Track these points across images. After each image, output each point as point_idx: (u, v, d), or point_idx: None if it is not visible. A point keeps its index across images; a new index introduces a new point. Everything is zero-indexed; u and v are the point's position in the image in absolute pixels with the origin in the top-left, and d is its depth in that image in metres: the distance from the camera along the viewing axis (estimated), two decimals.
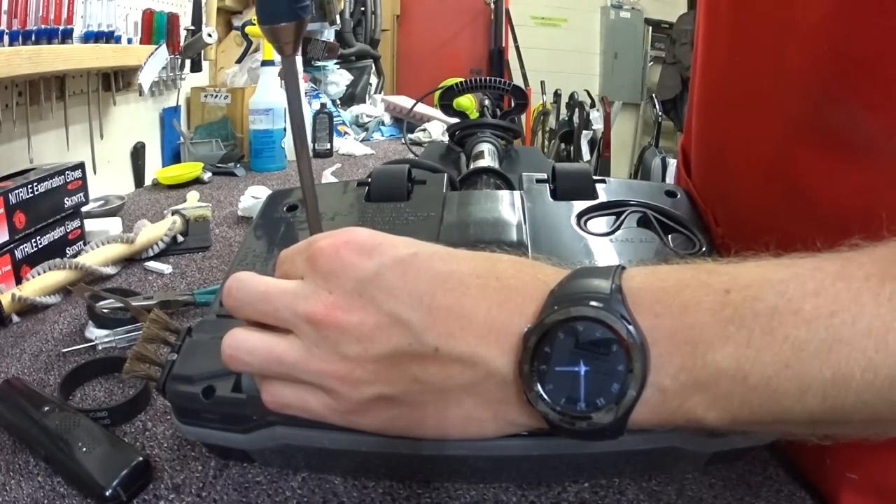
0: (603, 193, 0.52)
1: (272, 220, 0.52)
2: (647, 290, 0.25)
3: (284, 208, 0.53)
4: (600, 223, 0.49)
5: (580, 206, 0.50)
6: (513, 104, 0.96)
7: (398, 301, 0.25)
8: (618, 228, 0.48)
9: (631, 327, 0.24)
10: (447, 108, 0.92)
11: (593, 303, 0.24)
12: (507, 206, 0.50)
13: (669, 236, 0.47)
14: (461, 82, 0.88)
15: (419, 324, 0.25)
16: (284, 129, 1.25)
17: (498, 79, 0.90)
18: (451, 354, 0.25)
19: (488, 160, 0.70)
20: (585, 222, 0.49)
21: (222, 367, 0.36)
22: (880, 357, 0.22)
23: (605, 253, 0.45)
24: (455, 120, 0.92)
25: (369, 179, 0.54)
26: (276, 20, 0.31)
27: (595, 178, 0.53)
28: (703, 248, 0.46)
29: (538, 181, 0.54)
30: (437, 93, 1.03)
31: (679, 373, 0.24)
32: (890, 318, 0.22)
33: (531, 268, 0.27)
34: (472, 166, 0.70)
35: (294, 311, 0.26)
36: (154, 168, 1.26)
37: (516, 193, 0.52)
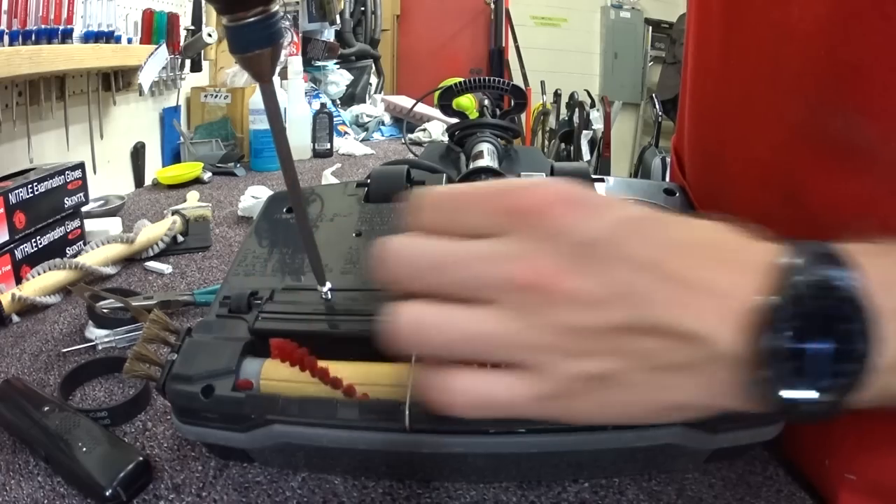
0: (600, 192, 0.52)
1: (273, 221, 0.52)
2: (873, 266, 0.23)
3: (285, 210, 0.53)
4: None
5: None
6: (512, 104, 0.96)
7: (626, 267, 0.22)
8: None
9: (866, 303, 0.22)
10: (446, 108, 0.92)
11: (836, 281, 0.22)
12: None
13: None
14: (460, 82, 0.87)
15: (647, 293, 0.22)
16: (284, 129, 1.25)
17: (497, 79, 0.90)
18: (678, 330, 0.22)
19: (488, 160, 0.70)
20: None
21: (222, 367, 0.36)
22: None
23: None
24: (455, 120, 0.92)
25: (368, 180, 0.54)
26: (249, 48, 0.29)
27: (594, 176, 0.53)
28: None
29: None
30: (437, 93, 1.03)
31: None
32: None
33: (761, 240, 0.24)
34: (471, 166, 0.70)
35: (499, 276, 0.22)
36: (154, 168, 1.26)
37: None
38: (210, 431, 0.37)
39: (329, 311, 0.40)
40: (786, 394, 0.22)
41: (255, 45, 0.29)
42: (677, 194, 0.52)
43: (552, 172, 0.54)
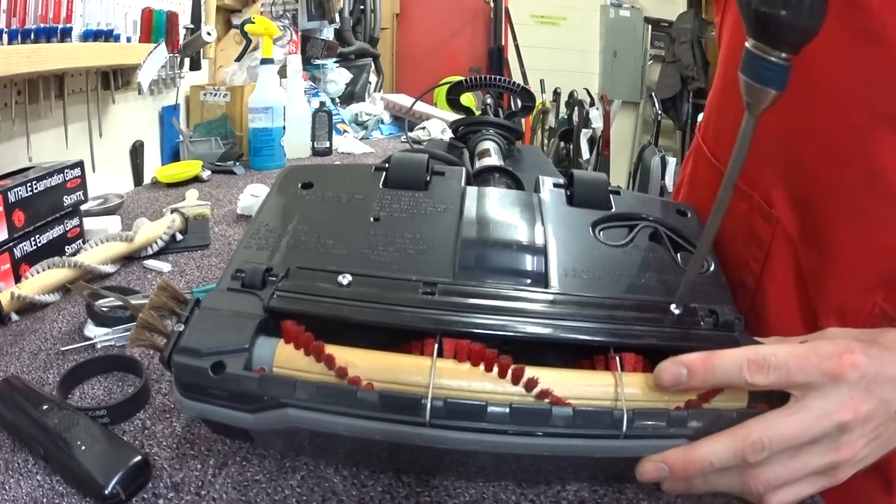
0: (616, 205, 0.52)
1: (289, 196, 0.52)
2: None
3: (300, 185, 0.52)
4: (613, 234, 0.50)
5: (595, 214, 0.50)
6: (517, 105, 0.96)
7: (883, 388, 0.35)
8: (630, 241, 0.48)
9: None
10: (454, 102, 0.93)
11: None
12: (527, 208, 0.50)
13: (679, 254, 0.48)
14: (470, 79, 0.88)
15: (892, 399, 0.35)
16: (283, 128, 1.25)
17: (507, 79, 0.91)
18: None
19: (495, 159, 0.70)
20: (599, 231, 0.49)
21: (234, 343, 0.35)
22: None
23: (618, 264, 0.45)
24: (457, 116, 0.92)
25: (386, 165, 0.54)
26: (761, 81, 0.31)
27: (611, 188, 0.53)
28: (711, 268, 0.47)
29: (555, 185, 0.54)
30: (439, 90, 1.03)
31: None
32: None
33: None
34: (479, 164, 0.70)
35: (830, 427, 0.34)
36: (153, 166, 1.26)
37: (534, 195, 0.52)
38: (214, 409, 0.35)
39: (347, 296, 0.39)
40: None
41: (767, 82, 0.31)
42: (689, 215, 0.52)
43: (570, 178, 0.53)
